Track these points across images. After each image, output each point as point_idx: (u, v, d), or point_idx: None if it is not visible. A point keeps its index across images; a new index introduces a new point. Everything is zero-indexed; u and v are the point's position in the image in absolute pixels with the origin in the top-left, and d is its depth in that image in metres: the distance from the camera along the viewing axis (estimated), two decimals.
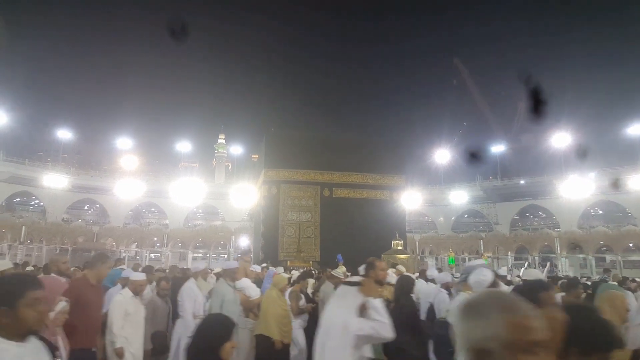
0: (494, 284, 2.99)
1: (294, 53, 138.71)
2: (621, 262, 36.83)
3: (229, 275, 5.67)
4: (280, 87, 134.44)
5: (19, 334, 1.83)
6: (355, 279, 3.29)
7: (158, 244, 43.13)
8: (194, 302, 5.75)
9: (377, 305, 2.97)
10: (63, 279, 4.49)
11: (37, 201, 46.48)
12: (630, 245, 37.94)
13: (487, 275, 2.98)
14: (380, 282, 3.78)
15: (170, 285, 6.37)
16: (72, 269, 6.59)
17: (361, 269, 4.70)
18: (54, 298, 2.83)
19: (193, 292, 5.83)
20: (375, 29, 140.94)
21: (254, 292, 6.20)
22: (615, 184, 38.85)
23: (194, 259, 41.59)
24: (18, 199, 46.23)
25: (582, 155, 36.35)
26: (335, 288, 6.43)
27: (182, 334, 5.45)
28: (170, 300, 6.38)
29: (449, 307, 3.48)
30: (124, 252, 40.84)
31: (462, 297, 3.33)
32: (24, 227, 36.13)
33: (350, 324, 2.84)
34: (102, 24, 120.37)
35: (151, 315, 5.71)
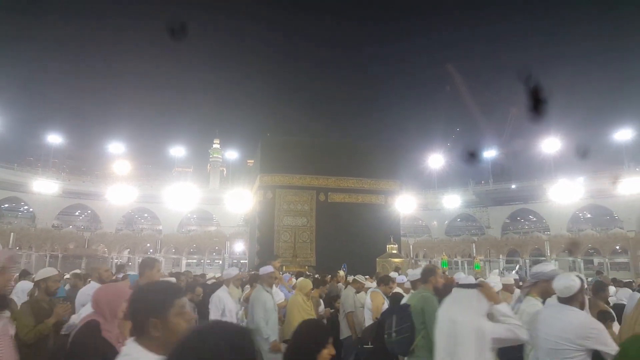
0: (581, 290, 2.93)
1: (290, 59, 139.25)
2: (608, 264, 37.54)
3: (265, 280, 5.49)
4: (275, 92, 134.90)
5: (167, 347, 1.62)
6: (470, 281, 3.25)
7: (151, 250, 42.86)
8: (221, 312, 5.44)
9: (504, 308, 2.89)
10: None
11: (26, 207, 45.90)
12: (617, 247, 38.66)
13: (575, 281, 2.90)
14: (438, 289, 3.79)
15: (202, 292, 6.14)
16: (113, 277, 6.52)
17: (416, 273, 4.78)
18: (119, 305, 2.96)
19: (221, 301, 5.48)
20: (370, 36, 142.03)
21: (279, 296, 6.08)
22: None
23: (188, 264, 41.46)
24: (6, 205, 45.50)
25: (582, 155, 36.93)
26: (357, 293, 6.55)
27: None
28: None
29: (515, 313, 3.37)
30: (116, 259, 40.55)
31: (531, 302, 3.35)
32: (12, 233, 35.68)
33: (485, 328, 2.74)
34: (95, 28, 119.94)
35: None
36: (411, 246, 42.04)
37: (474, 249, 40.96)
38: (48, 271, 4.43)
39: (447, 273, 26.06)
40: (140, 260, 4.66)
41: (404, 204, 35.44)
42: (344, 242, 21.59)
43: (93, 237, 40.68)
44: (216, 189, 54.75)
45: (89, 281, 5.86)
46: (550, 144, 46.61)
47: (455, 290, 3.07)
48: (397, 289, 6.49)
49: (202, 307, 5.80)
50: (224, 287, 5.86)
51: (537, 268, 3.54)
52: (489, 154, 53.18)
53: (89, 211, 48.41)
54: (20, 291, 6.12)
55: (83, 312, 3.48)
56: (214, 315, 5.45)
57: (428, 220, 50.96)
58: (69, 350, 2.73)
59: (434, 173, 53.37)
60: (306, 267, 20.79)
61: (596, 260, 39.80)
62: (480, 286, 2.97)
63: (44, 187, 43.71)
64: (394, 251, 19.84)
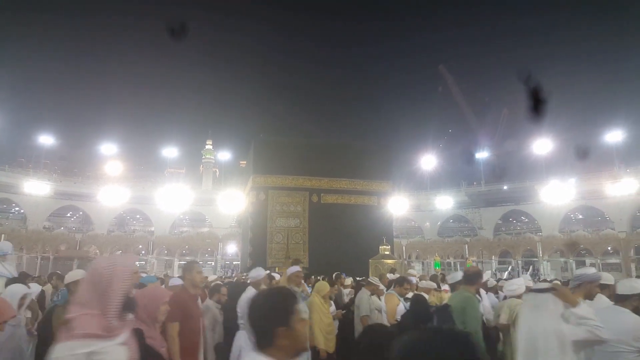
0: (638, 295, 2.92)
1: (283, 59, 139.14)
2: (600, 265, 37.80)
3: (293, 280, 5.42)
4: (268, 93, 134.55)
5: (293, 355, 1.64)
6: (544, 285, 3.17)
7: (143, 252, 42.64)
8: None
9: (581, 310, 2.84)
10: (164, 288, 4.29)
11: (17, 208, 45.47)
12: (609, 248, 38.95)
13: (638, 283, 2.94)
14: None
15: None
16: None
17: (457, 275, 4.69)
18: (157, 309, 2.93)
19: None
20: (363, 37, 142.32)
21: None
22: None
23: (181, 266, 41.24)
24: None
25: (582, 156, 37.19)
26: (372, 295, 6.43)
27: (244, 346, 4.83)
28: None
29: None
30: None
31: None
32: (2, 235, 35.30)
33: (565, 331, 2.72)
34: (87, 28, 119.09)
35: (212, 325, 5.33)
36: (404, 247, 42.10)
37: (467, 250, 41.12)
38: (78, 274, 4.32)
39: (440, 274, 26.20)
40: (184, 264, 4.59)
41: (396, 205, 35.55)
42: (336, 243, 21.56)
43: (85, 239, 40.40)
44: (209, 190, 54.59)
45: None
46: (542, 145, 46.97)
47: (530, 295, 3.02)
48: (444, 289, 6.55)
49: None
50: (250, 288, 5.63)
51: (581, 271, 3.55)
52: (482, 155, 53.47)
53: (81, 212, 48.07)
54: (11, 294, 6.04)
55: None
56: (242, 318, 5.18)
57: (421, 222, 51.09)
58: None
59: (426, 174, 53.64)
60: None
61: (588, 261, 40.04)
62: (554, 290, 2.92)
63: (35, 188, 43.40)
64: (387, 252, 19.80)
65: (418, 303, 4.46)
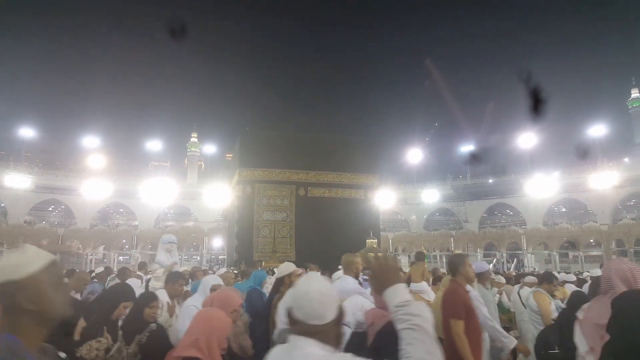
0: None
1: (269, 53, 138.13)
2: (582, 258, 38.40)
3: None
4: (255, 86, 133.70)
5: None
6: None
7: (127, 246, 42.09)
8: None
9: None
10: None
11: None
12: (591, 241, 39.57)
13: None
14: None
15: None
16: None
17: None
18: (224, 336, 2.75)
19: None
20: (349, 31, 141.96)
21: (432, 295, 5.56)
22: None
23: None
24: None
25: (582, 154, 37.64)
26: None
27: None
28: None
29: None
30: (91, 255, 39.71)
31: None
32: None
33: None
34: (69, 19, 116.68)
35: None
36: (390, 240, 42.24)
37: (452, 243, 41.42)
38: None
39: (426, 267, 26.36)
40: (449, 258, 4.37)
41: (383, 199, 35.58)
42: (323, 236, 21.46)
43: (67, 233, 39.65)
44: (194, 184, 54.11)
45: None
46: (527, 139, 47.49)
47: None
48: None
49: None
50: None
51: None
52: (467, 148, 53.84)
53: (63, 206, 47.28)
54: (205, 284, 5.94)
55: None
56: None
57: (407, 215, 51.33)
58: None
59: (413, 168, 53.91)
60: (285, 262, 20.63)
61: (571, 254, 40.69)
62: None
63: (16, 181, 42.56)
64: (374, 246, 19.83)
65: (580, 301, 3.65)
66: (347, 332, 2.83)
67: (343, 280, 3.99)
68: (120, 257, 42.04)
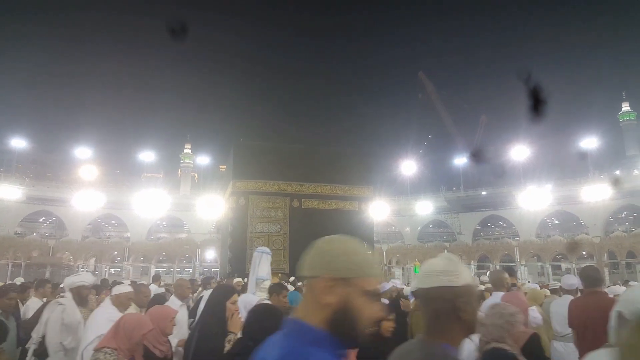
0: None
1: (263, 64, 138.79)
2: (575, 270, 38.49)
3: None
4: (248, 98, 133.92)
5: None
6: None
7: (118, 258, 41.66)
8: None
9: None
10: None
11: None
12: (583, 253, 39.74)
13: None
14: None
15: None
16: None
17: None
18: None
19: None
20: (343, 43, 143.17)
21: None
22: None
23: (156, 273, 40.37)
24: None
25: (582, 158, 37.75)
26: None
27: None
28: None
29: None
30: (82, 267, 39.22)
31: None
32: None
33: None
34: (61, 29, 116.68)
35: None
36: (384, 252, 42.14)
37: None
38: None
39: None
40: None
41: (377, 210, 35.55)
42: None
43: (58, 245, 39.18)
44: (187, 195, 53.76)
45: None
46: (519, 151, 47.86)
47: None
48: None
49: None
50: None
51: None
52: (460, 160, 54.13)
53: (54, 218, 46.76)
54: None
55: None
56: None
57: (401, 227, 51.30)
58: None
59: (406, 179, 54.01)
60: (279, 274, 20.48)
61: (564, 266, 40.79)
62: None
63: (7, 192, 42.10)
64: None
65: None
66: None
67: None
68: (112, 270, 41.57)
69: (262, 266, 7.42)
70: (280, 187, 24.22)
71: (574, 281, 5.38)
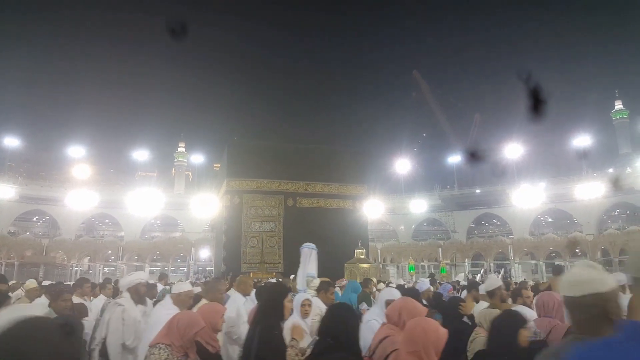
0: None
1: (257, 62, 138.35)
2: (569, 267, 38.68)
3: None
4: (243, 96, 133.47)
5: None
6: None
7: (112, 257, 41.51)
8: None
9: None
10: None
11: None
12: (577, 250, 39.99)
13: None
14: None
15: None
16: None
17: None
18: None
19: None
20: (337, 41, 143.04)
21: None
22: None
23: (151, 272, 40.32)
24: None
25: (577, 157, 37.85)
26: None
27: None
28: None
29: None
30: (76, 267, 39.05)
31: None
32: None
33: None
34: (54, 26, 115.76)
35: None
36: (379, 251, 42.23)
37: (440, 253, 41.53)
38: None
39: (414, 277, 26.27)
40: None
41: (371, 209, 35.60)
42: None
43: (51, 244, 39.00)
44: (181, 194, 53.57)
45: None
46: (513, 149, 48.04)
47: None
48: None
49: None
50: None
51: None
52: (454, 159, 54.25)
53: (47, 217, 46.48)
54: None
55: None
56: None
57: (395, 225, 51.38)
58: None
59: (401, 178, 54.09)
60: (274, 273, 20.47)
61: (557, 264, 41.03)
62: None
63: (0, 191, 41.72)
64: (362, 256, 19.71)
65: None
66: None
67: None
68: (106, 269, 41.40)
69: (311, 263, 7.33)
70: (275, 185, 24.21)
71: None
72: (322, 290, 4.84)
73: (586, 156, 45.73)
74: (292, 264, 21.07)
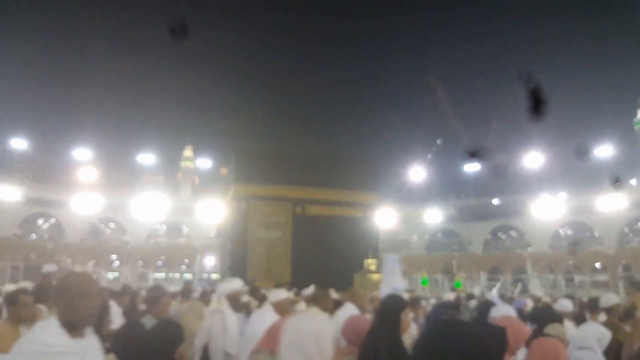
0: None
1: (267, 66, 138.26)
2: (589, 283, 37.04)
3: None
4: (251, 100, 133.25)
5: None
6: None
7: (117, 262, 40.78)
8: None
9: None
10: None
11: None
12: (597, 265, 38.29)
13: None
14: None
15: None
16: None
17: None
18: None
19: None
20: (350, 46, 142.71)
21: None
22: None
23: (156, 278, 39.45)
24: None
25: (584, 155, 36.59)
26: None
27: None
28: None
29: None
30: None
31: None
32: None
33: None
34: (61, 27, 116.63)
35: None
36: None
37: (455, 266, 40.02)
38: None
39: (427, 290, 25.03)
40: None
41: (383, 218, 34.37)
42: (320, 256, 20.51)
43: (56, 248, 38.59)
44: (187, 199, 52.71)
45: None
46: (533, 158, 46.44)
47: None
48: None
49: None
50: None
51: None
52: (470, 167, 52.67)
53: (53, 220, 45.97)
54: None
55: None
56: None
57: (408, 235, 49.91)
58: None
59: (414, 186, 52.71)
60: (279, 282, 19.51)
61: (577, 278, 39.31)
62: None
63: (6, 193, 41.46)
64: (373, 267, 18.92)
65: None
66: None
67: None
68: (110, 274, 40.70)
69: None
70: (283, 192, 23.32)
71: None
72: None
73: (607, 166, 43.90)
74: (300, 273, 20.12)
